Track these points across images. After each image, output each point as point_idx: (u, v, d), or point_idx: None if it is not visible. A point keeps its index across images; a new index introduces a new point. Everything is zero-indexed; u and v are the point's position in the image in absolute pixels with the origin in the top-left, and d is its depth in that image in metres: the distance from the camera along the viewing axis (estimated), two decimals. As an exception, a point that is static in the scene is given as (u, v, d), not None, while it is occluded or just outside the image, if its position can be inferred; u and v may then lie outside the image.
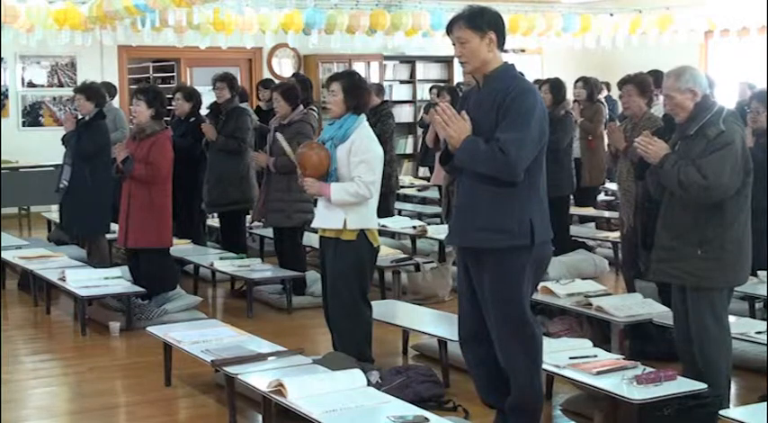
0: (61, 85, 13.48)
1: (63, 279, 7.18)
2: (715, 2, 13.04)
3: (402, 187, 12.30)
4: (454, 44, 4.24)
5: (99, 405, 5.39)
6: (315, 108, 8.28)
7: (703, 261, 4.59)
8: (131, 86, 13.35)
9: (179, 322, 6.23)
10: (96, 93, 8.05)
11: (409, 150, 15.61)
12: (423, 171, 14.59)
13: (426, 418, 4.03)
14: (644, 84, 6.50)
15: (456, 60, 14.74)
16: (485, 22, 4.19)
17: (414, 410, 4.15)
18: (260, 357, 5.01)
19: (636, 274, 6.49)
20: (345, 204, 5.26)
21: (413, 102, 15.83)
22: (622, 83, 6.58)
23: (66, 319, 7.43)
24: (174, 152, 7.20)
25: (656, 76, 7.47)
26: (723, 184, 4.49)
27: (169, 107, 8.55)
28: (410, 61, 15.77)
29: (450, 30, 4.26)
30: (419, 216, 11.03)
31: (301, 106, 7.49)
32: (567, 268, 8.12)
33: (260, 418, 4.84)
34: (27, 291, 8.06)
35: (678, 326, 4.87)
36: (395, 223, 9.43)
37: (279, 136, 5.99)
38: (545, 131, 4.18)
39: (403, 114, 15.41)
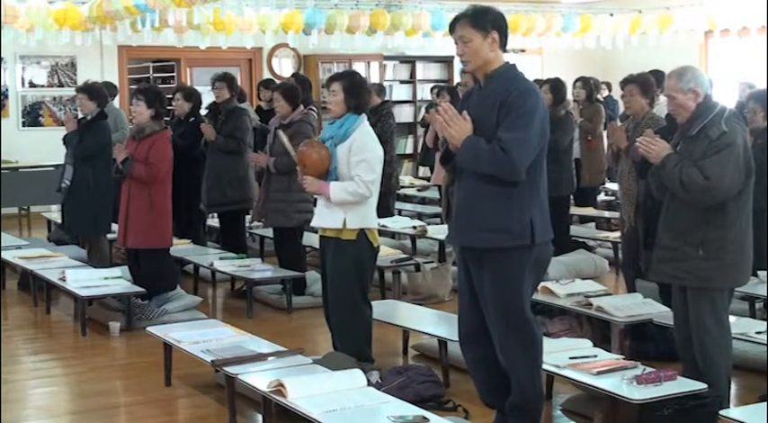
0: (61, 85, 13.49)
1: (63, 279, 7.18)
2: (715, 2, 13.04)
3: (402, 187, 12.31)
4: (456, 42, 4.24)
5: (99, 405, 5.39)
6: (314, 108, 8.28)
7: (704, 261, 4.58)
8: (131, 86, 13.35)
9: (179, 322, 6.23)
10: (98, 93, 8.04)
11: (409, 150, 15.62)
12: (423, 171, 14.60)
13: (426, 418, 4.03)
14: (646, 84, 6.50)
15: (456, 60, 14.79)
16: (488, 22, 4.19)
17: (414, 410, 4.15)
18: (260, 357, 5.01)
19: (636, 274, 6.49)
20: (345, 203, 5.25)
21: (413, 102, 15.84)
22: (625, 83, 6.58)
23: (67, 319, 7.43)
24: (173, 152, 7.20)
25: (657, 76, 7.47)
26: (725, 184, 4.49)
27: (169, 107, 8.55)
28: (410, 61, 15.77)
29: (452, 28, 4.25)
30: (419, 216, 11.03)
31: (302, 106, 7.49)
32: (567, 268, 8.12)
33: (260, 418, 4.84)
34: (27, 291, 8.06)
35: (678, 326, 4.86)
36: (395, 223, 9.43)
37: (280, 133, 5.99)
38: (546, 132, 4.18)
39: (403, 114, 15.42)
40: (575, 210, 9.95)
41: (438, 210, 10.38)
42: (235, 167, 8.17)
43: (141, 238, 7.04)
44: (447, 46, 13.25)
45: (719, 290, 4.67)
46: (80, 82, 9.35)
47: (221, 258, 7.99)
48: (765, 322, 5.51)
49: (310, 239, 7.79)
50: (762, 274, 6.16)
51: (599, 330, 6.04)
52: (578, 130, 9.73)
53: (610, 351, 5.29)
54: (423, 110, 13.75)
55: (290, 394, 4.28)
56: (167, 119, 8.67)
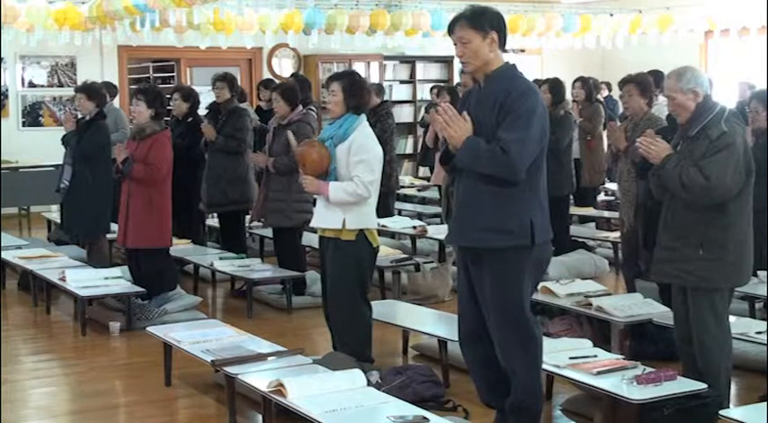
0: (61, 85, 13.49)
1: (63, 279, 7.18)
2: (715, 2, 13.04)
3: (402, 187, 12.30)
4: (456, 44, 4.24)
5: (99, 405, 5.39)
6: (314, 108, 8.28)
7: (705, 261, 4.58)
8: (131, 86, 13.35)
9: (179, 322, 6.22)
10: (97, 92, 8.04)
11: (409, 150, 15.62)
12: (423, 171, 14.60)
13: (426, 418, 4.03)
14: (645, 84, 6.50)
15: (456, 60, 14.81)
16: (487, 22, 4.19)
17: (414, 410, 4.15)
18: (260, 357, 5.01)
19: (636, 274, 6.49)
20: (344, 203, 5.25)
21: (413, 102, 15.84)
22: (623, 83, 6.58)
23: (67, 319, 7.43)
24: (173, 152, 7.20)
25: (657, 76, 7.47)
26: (725, 184, 4.49)
27: (168, 107, 8.54)
28: (410, 61, 15.78)
29: (451, 29, 4.26)
30: (419, 216, 11.02)
31: (301, 106, 7.48)
32: (567, 268, 8.12)
33: (260, 418, 4.84)
34: (27, 291, 8.06)
35: (678, 326, 4.87)
36: (395, 223, 9.43)
37: (289, 134, 5.98)
38: (546, 132, 4.18)
39: (403, 114, 15.42)
40: (575, 210, 9.95)
41: (438, 210, 10.38)
42: (235, 167, 8.17)
43: (141, 237, 7.04)
44: (447, 46, 13.16)
45: (719, 290, 4.67)
46: (80, 82, 9.35)
47: (221, 258, 7.99)
48: (765, 322, 5.51)
49: (310, 239, 7.79)
50: (762, 274, 6.16)
51: (599, 330, 6.04)
52: (578, 130, 9.74)
53: (610, 351, 5.28)
54: (423, 110, 13.74)
55: (290, 394, 4.28)
56: (166, 119, 8.66)
